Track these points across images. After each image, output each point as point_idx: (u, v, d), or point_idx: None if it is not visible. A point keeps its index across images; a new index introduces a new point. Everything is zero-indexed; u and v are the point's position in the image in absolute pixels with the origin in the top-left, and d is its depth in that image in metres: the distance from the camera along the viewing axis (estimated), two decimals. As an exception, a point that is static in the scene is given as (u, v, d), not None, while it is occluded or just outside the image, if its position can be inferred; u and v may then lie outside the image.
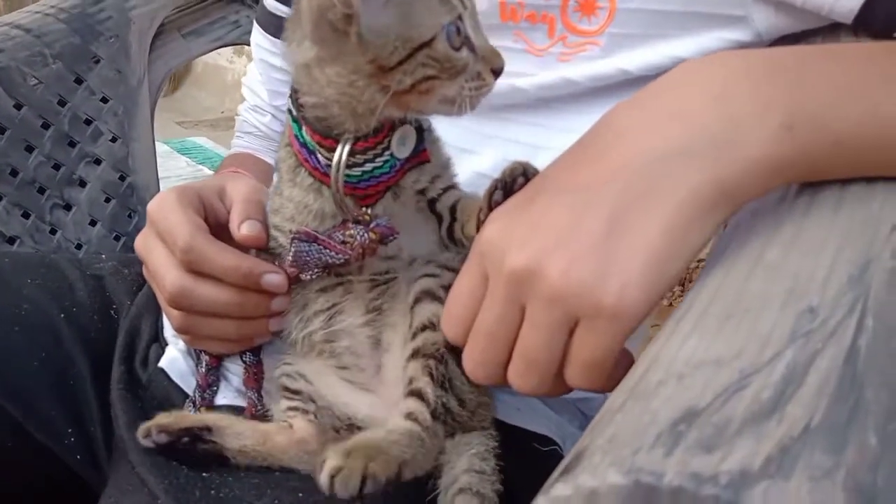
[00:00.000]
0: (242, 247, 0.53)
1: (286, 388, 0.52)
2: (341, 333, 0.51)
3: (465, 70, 0.43)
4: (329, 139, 0.45)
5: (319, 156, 0.46)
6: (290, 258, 0.49)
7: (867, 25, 0.49)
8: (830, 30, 0.52)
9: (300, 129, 0.47)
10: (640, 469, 0.25)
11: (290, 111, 0.48)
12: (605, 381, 0.38)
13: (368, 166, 0.46)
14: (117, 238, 0.90)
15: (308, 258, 0.48)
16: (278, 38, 0.78)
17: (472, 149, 0.60)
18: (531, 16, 0.60)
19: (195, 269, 0.52)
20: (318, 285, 0.51)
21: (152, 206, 0.54)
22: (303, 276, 0.50)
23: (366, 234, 0.47)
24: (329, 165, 0.45)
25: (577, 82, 0.58)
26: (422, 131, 0.48)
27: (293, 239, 0.48)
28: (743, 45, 0.54)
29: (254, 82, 0.81)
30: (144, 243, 0.55)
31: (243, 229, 0.52)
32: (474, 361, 0.41)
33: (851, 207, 0.37)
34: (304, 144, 0.47)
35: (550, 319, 0.37)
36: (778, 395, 0.26)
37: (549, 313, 0.37)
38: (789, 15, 0.52)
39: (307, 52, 0.43)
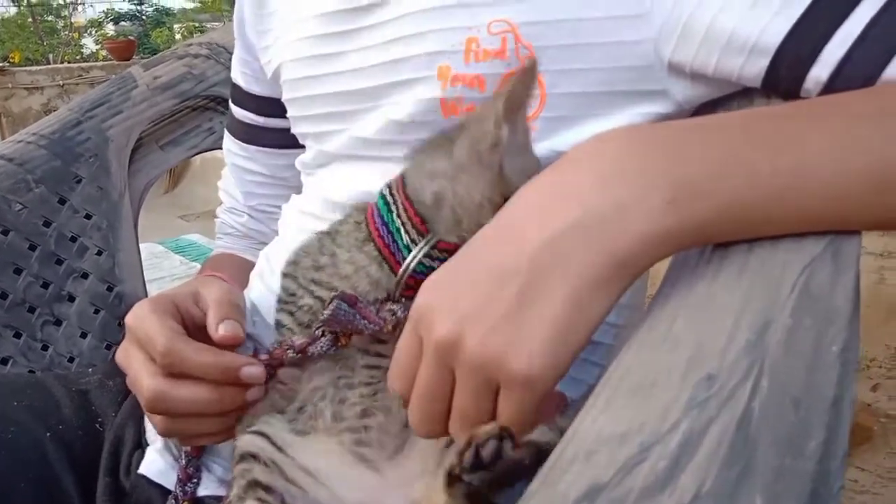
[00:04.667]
0: (219, 347, 0.56)
1: (257, 483, 0.53)
2: (381, 409, 0.54)
3: None
4: (424, 224, 0.52)
5: (404, 235, 0.52)
6: (327, 313, 0.52)
7: (774, 87, 0.52)
8: (744, 94, 0.55)
9: (389, 212, 0.53)
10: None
11: (383, 195, 0.54)
12: (531, 427, 0.42)
13: (437, 264, 0.50)
14: (109, 347, 0.92)
15: (343, 318, 0.51)
16: (247, 143, 0.83)
17: None
18: (471, 108, 0.63)
19: (175, 370, 0.54)
20: (363, 361, 0.54)
21: (129, 318, 0.57)
22: (311, 350, 0.53)
23: (404, 313, 0.51)
24: (406, 247, 0.51)
25: None
26: None
27: (336, 298, 0.52)
28: (667, 117, 0.57)
29: (229, 185, 0.85)
30: (125, 353, 0.58)
31: (221, 329, 0.56)
32: (416, 418, 0.45)
33: (755, 269, 0.39)
34: (385, 223, 0.53)
35: (475, 384, 0.41)
36: (673, 465, 0.28)
37: (472, 378, 0.41)
38: (704, 84, 0.55)
39: (445, 167, 0.51)
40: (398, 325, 0.50)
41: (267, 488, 0.52)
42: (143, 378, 0.55)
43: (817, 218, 0.40)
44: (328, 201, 0.69)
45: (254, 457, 0.53)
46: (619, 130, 0.44)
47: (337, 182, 0.70)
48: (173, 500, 0.58)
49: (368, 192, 0.67)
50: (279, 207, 0.82)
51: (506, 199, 0.46)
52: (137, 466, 0.62)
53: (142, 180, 0.97)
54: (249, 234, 0.86)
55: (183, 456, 0.58)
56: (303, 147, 0.76)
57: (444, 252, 0.50)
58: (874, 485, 1.72)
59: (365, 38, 0.67)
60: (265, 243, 0.80)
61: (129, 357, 0.57)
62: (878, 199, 0.41)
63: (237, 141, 0.83)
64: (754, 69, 0.52)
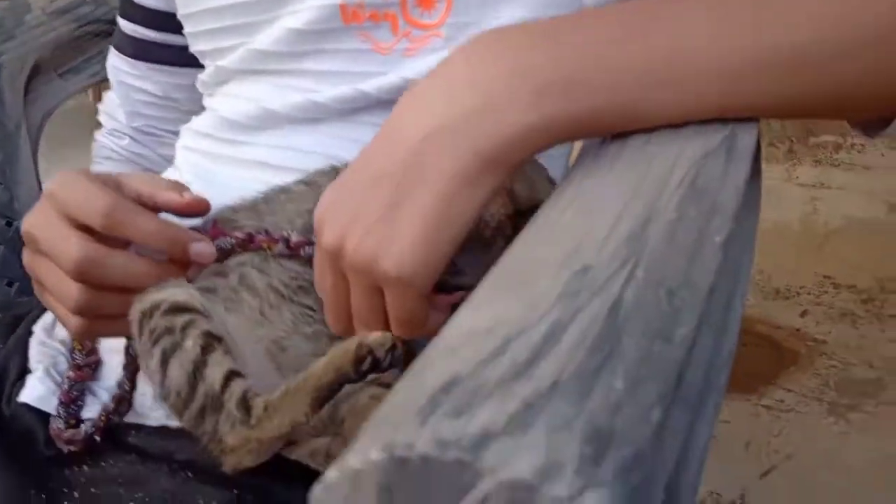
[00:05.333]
0: None
1: (211, 335, 0.49)
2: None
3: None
4: None
5: None
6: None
7: None
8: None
9: None
10: (395, 443, 0.25)
11: None
12: (424, 330, 0.44)
13: None
14: (10, 284, 0.88)
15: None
16: (137, 59, 0.78)
17: (331, 153, 0.61)
18: (373, 15, 0.60)
19: (116, 233, 0.50)
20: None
21: (53, 185, 0.52)
22: (304, 252, 0.53)
23: None
24: None
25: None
26: None
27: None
28: None
29: (111, 106, 0.81)
30: (45, 220, 0.51)
31: (187, 195, 0.53)
32: (329, 315, 0.48)
33: (647, 162, 0.38)
34: None
35: (361, 286, 0.43)
36: (534, 355, 0.27)
37: (358, 281, 0.43)
38: None
39: None
40: None
41: (221, 341, 0.49)
42: (72, 241, 0.49)
43: (702, 104, 0.39)
44: (225, 120, 0.66)
45: (190, 310, 0.49)
46: (496, 29, 0.43)
47: (235, 100, 0.67)
48: (58, 419, 0.55)
49: (269, 110, 0.64)
50: (167, 132, 0.79)
51: None
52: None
53: (39, 110, 0.92)
54: (132, 158, 0.81)
55: (66, 381, 0.55)
56: (198, 67, 0.72)
57: None
58: (798, 404, 1.79)
59: None
60: (150, 170, 0.77)
61: (49, 225, 0.51)
62: (774, 80, 0.40)
63: (125, 58, 0.78)
64: None
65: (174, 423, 0.59)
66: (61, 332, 0.65)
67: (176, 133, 0.77)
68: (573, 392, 0.25)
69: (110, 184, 0.53)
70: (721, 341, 0.37)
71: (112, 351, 0.62)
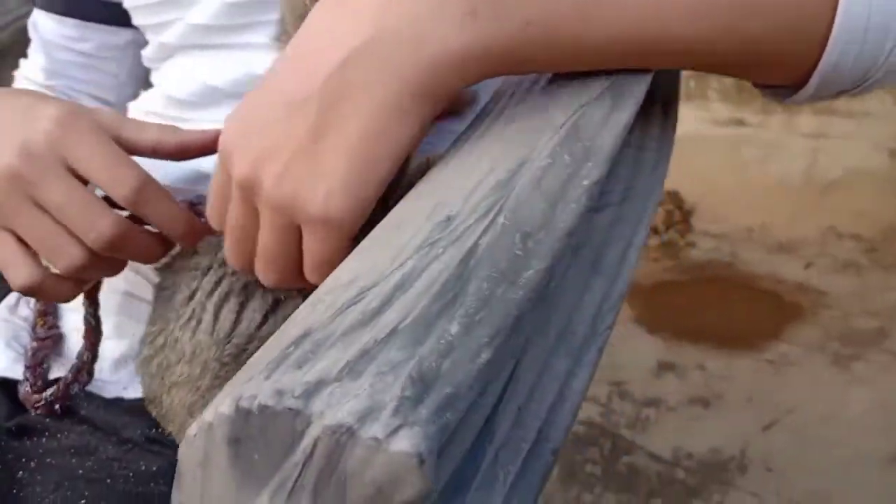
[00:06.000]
0: None
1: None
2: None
3: None
4: None
5: None
6: None
7: None
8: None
9: None
10: (241, 396, 0.26)
11: None
12: None
13: None
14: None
15: None
16: (66, 15, 0.76)
17: None
18: None
19: (137, 212, 0.49)
20: None
21: (60, 132, 0.47)
22: None
23: None
24: None
25: None
26: None
27: None
28: None
29: (29, 68, 0.77)
30: (53, 175, 0.47)
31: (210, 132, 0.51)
32: (230, 252, 0.44)
33: (533, 110, 0.38)
34: None
35: (277, 224, 0.39)
36: (383, 304, 0.27)
37: (273, 219, 0.39)
38: None
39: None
40: None
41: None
42: (106, 210, 0.47)
43: (635, 43, 0.38)
44: (171, 98, 0.66)
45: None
46: None
47: (178, 76, 0.67)
48: (26, 384, 0.57)
49: (211, 86, 0.64)
50: (94, 98, 0.77)
51: None
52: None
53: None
54: None
55: (30, 349, 0.57)
56: (129, 27, 0.72)
57: None
58: (801, 357, 1.78)
59: None
60: None
61: (57, 180, 0.47)
62: (696, 19, 0.38)
63: (53, 14, 0.74)
64: None
65: (130, 394, 0.61)
66: (24, 311, 0.66)
67: (99, 99, 0.77)
68: (408, 338, 0.25)
69: (110, 125, 0.50)
70: (612, 287, 0.37)
71: (74, 330, 0.63)
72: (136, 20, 0.70)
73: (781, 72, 0.43)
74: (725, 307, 2.05)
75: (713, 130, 2.39)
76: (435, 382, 0.24)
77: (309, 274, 0.41)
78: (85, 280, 0.53)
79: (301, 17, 0.44)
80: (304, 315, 0.29)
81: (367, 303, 0.28)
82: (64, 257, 0.48)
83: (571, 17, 0.37)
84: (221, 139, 0.41)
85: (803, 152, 2.30)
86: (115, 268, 0.52)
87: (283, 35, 0.52)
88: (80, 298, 0.56)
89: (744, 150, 2.36)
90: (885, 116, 2.15)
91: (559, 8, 0.37)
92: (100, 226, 0.47)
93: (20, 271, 0.49)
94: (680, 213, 2.49)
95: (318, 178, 0.37)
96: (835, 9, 0.39)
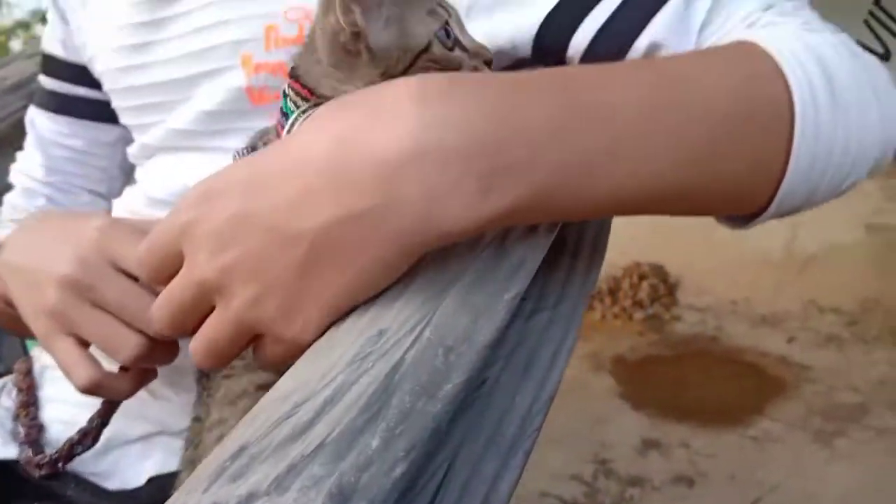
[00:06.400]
0: None
1: None
2: None
3: (462, 66, 0.47)
4: (316, 97, 0.48)
5: (296, 110, 0.48)
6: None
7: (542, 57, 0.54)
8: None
9: (286, 102, 0.49)
10: (182, 507, 0.28)
11: (285, 94, 0.50)
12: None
13: None
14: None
15: None
16: (59, 114, 0.81)
17: None
18: (279, 95, 0.64)
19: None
20: None
21: (103, 239, 0.52)
22: None
23: None
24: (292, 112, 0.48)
25: None
26: None
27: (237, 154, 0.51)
28: None
29: (26, 164, 0.81)
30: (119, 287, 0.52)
31: None
32: (159, 316, 0.42)
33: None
34: (284, 114, 0.49)
35: (236, 329, 0.39)
36: (314, 417, 0.30)
37: (235, 326, 0.39)
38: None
39: (325, 68, 0.47)
40: None
41: None
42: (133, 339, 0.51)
43: (634, 194, 0.40)
44: (151, 198, 0.70)
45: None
46: (441, 84, 0.38)
47: (159, 176, 0.70)
48: (28, 453, 0.59)
49: (187, 187, 0.67)
50: (83, 189, 0.81)
51: (390, 74, 0.45)
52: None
53: (-1, 184, 0.96)
54: None
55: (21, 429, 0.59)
56: (117, 124, 0.76)
57: None
58: (784, 433, 1.78)
59: (172, 28, 0.67)
60: None
61: (115, 281, 0.51)
62: (693, 177, 0.41)
63: (47, 112, 0.79)
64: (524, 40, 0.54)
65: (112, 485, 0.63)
66: (6, 401, 0.69)
67: (91, 192, 0.81)
68: (332, 453, 0.28)
69: (144, 227, 0.52)
70: (541, 390, 0.40)
71: (55, 421, 0.66)
72: (123, 119, 0.75)
73: (747, 204, 0.47)
74: (710, 382, 2.06)
75: (694, 206, 2.44)
76: (353, 496, 0.26)
77: (260, 366, 0.42)
78: (145, 374, 0.56)
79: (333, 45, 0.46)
80: (244, 429, 0.31)
81: (300, 417, 0.30)
82: (127, 348, 0.51)
83: (577, 175, 0.38)
84: (187, 199, 0.40)
85: (782, 227, 2.35)
86: (172, 352, 0.54)
87: (263, 136, 0.55)
88: None
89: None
90: (859, 193, 2.20)
91: (567, 169, 0.38)
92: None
93: (83, 372, 0.53)
94: (665, 287, 2.52)
95: (297, 313, 0.37)
96: (788, 153, 0.43)
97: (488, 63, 0.49)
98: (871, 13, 1.36)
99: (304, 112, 0.48)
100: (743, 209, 0.47)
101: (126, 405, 0.61)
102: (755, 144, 0.42)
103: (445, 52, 0.46)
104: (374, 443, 0.28)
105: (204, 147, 0.67)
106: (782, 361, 2.10)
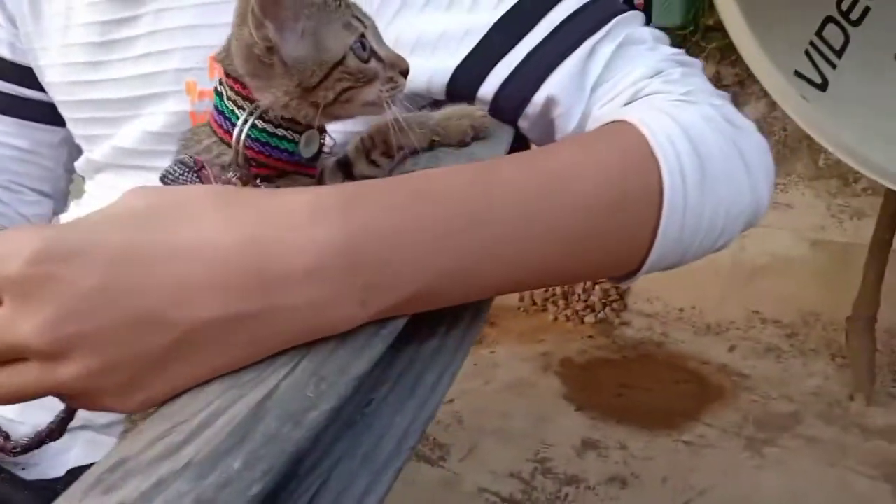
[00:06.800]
0: None
1: None
2: None
3: (377, 77, 0.49)
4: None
5: (236, 110, 0.48)
6: (169, 172, 0.48)
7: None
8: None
9: (221, 99, 0.50)
10: (57, 516, 0.31)
11: (217, 92, 0.51)
12: None
13: (276, 131, 0.49)
14: None
15: (182, 181, 0.48)
16: (4, 114, 0.81)
17: None
18: None
19: None
20: None
21: None
22: None
23: (237, 180, 0.48)
24: (236, 116, 0.49)
25: None
26: (322, 145, 0.52)
27: (178, 160, 0.49)
28: None
29: None
30: None
31: None
32: None
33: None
34: (221, 112, 0.49)
35: (50, 391, 0.36)
36: (186, 438, 0.33)
37: (50, 390, 0.36)
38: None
39: (248, 79, 0.48)
40: None
41: None
42: None
43: (508, 288, 0.44)
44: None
45: None
46: (333, 200, 0.39)
47: (105, 193, 0.73)
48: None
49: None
50: (30, 189, 0.83)
51: (305, 87, 0.46)
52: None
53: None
54: None
55: None
56: (63, 126, 0.78)
57: (292, 122, 0.49)
58: (718, 439, 1.85)
59: (121, 51, 0.70)
60: None
61: None
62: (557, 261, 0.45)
63: None
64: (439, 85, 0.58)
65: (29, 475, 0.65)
66: None
67: (36, 191, 0.83)
68: (197, 471, 0.31)
69: None
70: (422, 410, 0.43)
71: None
72: (72, 130, 0.77)
73: (621, 270, 0.50)
74: (652, 386, 2.12)
75: (649, 214, 2.50)
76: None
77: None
78: None
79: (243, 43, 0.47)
80: (127, 443, 0.34)
81: (175, 437, 0.33)
82: None
83: (456, 278, 0.41)
84: (33, 264, 0.34)
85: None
86: None
87: (190, 142, 0.56)
88: None
89: (677, 234, 2.47)
90: (806, 208, 2.28)
91: (446, 275, 0.41)
92: None
93: None
94: (617, 292, 2.58)
95: (140, 391, 0.36)
96: (657, 229, 0.47)
97: (404, 73, 0.51)
98: (812, 43, 1.41)
99: (248, 117, 0.48)
100: (617, 274, 0.51)
101: (52, 399, 0.64)
102: (627, 226, 0.46)
103: (360, 65, 0.48)
104: (236, 464, 0.31)
105: (148, 167, 0.70)
106: (723, 369, 2.16)
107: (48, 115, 0.82)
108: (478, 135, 0.54)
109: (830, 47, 1.43)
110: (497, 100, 0.57)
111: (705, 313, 2.41)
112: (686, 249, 0.48)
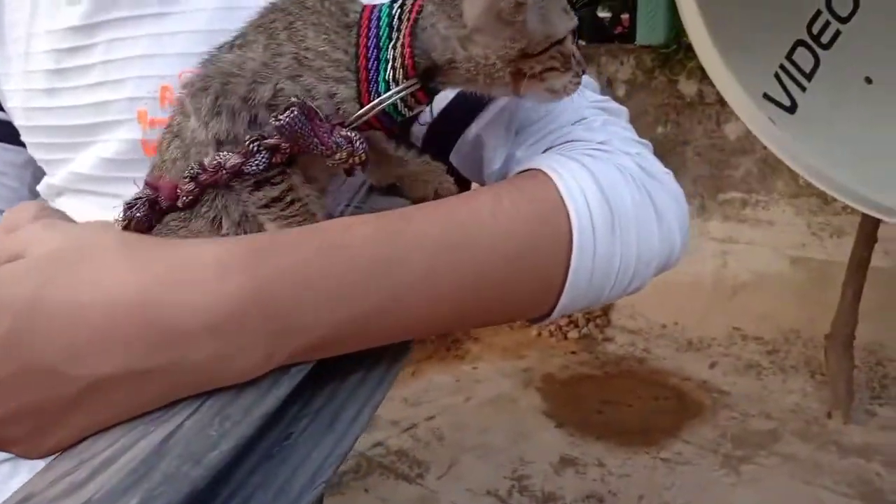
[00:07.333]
0: None
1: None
2: None
3: (572, 68, 0.51)
4: (414, 69, 0.48)
5: (388, 70, 0.47)
6: (283, 119, 0.45)
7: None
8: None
9: (388, 38, 0.48)
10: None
11: (390, 16, 0.49)
12: None
13: (407, 112, 0.49)
14: None
15: (297, 130, 0.45)
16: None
17: None
18: None
19: None
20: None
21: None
22: (247, 168, 0.46)
23: (363, 145, 0.47)
24: (385, 82, 0.47)
25: None
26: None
27: (295, 105, 0.45)
28: None
29: None
30: None
31: None
32: None
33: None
34: (378, 47, 0.48)
35: None
36: (89, 475, 0.34)
37: None
38: None
39: (459, 30, 0.48)
40: (350, 156, 0.46)
41: None
42: None
43: (416, 332, 0.46)
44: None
45: None
46: (239, 255, 0.40)
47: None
48: None
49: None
50: None
51: (525, 53, 0.48)
52: None
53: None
54: None
55: None
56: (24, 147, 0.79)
57: (418, 102, 0.49)
58: (695, 456, 1.86)
59: (75, 78, 0.71)
60: None
61: None
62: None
63: None
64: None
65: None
66: None
67: (0, 212, 0.84)
68: (97, 509, 0.32)
69: None
70: (339, 444, 0.44)
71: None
72: (32, 153, 0.78)
73: (533, 314, 0.52)
74: (633, 403, 2.13)
75: (633, 230, 2.51)
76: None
77: None
78: None
79: None
80: (36, 479, 0.36)
81: (79, 474, 0.34)
82: None
83: (361, 326, 0.43)
84: None
85: (714, 255, 2.44)
86: None
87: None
88: None
89: (660, 250, 2.49)
90: (786, 226, 2.30)
91: (351, 324, 0.42)
92: None
93: None
94: (600, 308, 2.59)
95: (51, 437, 0.37)
96: (566, 275, 0.48)
97: (583, 70, 0.52)
98: (783, 66, 1.43)
99: (402, 90, 0.47)
100: (529, 317, 0.52)
101: None
102: (537, 274, 0.48)
103: (573, 49, 0.50)
104: (133, 501, 0.33)
105: (103, 192, 0.71)
106: (703, 386, 2.17)
107: (12, 134, 0.83)
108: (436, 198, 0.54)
109: (801, 70, 1.45)
110: (430, 133, 0.58)
111: (687, 329, 2.42)
112: (599, 293, 0.50)
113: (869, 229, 1.89)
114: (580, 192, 0.48)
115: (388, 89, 0.47)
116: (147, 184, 0.49)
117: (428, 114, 0.59)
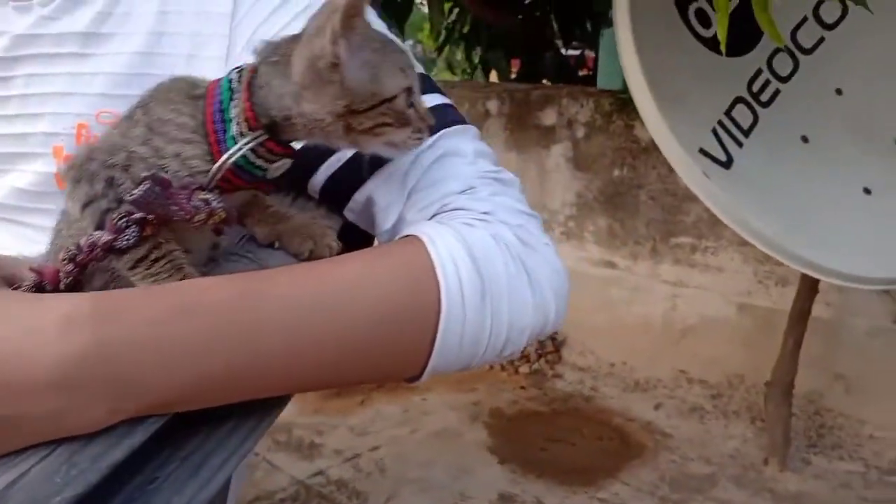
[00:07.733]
0: None
1: None
2: None
3: (411, 124, 0.52)
4: (259, 126, 0.50)
5: (234, 126, 0.50)
6: (136, 193, 0.48)
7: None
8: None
9: (230, 99, 0.51)
10: None
11: (230, 81, 0.52)
12: None
13: (260, 162, 0.51)
14: None
15: (153, 201, 0.48)
16: None
17: None
18: None
19: None
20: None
21: None
22: (117, 244, 0.48)
23: (220, 204, 0.49)
24: (232, 139, 0.50)
25: None
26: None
27: (148, 178, 0.48)
28: None
29: None
30: None
31: None
32: None
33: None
34: (222, 110, 0.50)
35: None
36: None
37: None
38: None
39: (291, 87, 0.50)
40: (210, 217, 0.48)
41: None
42: None
43: (273, 392, 0.48)
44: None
45: None
46: (88, 312, 0.42)
47: None
48: None
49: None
50: None
51: (351, 109, 0.49)
52: None
53: None
54: None
55: None
56: None
57: (272, 154, 0.51)
58: (632, 498, 1.87)
59: None
60: None
61: None
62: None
63: None
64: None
65: None
66: None
67: None
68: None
69: None
70: (202, 491, 0.45)
71: None
72: None
73: (403, 376, 0.54)
74: (577, 441, 2.15)
75: (588, 269, 2.55)
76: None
77: None
78: None
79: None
80: None
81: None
82: None
83: (215, 388, 0.45)
84: None
85: (664, 298, 2.47)
86: None
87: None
88: None
89: (613, 290, 2.53)
90: (735, 273, 2.34)
91: (204, 383, 0.44)
92: None
93: None
94: (552, 344, 2.62)
95: None
96: (434, 341, 0.50)
97: (430, 129, 0.54)
98: (721, 122, 1.48)
99: (248, 142, 0.50)
100: (398, 379, 0.54)
101: None
102: (404, 339, 0.50)
103: (405, 108, 0.52)
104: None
105: (18, 221, 0.72)
106: (646, 427, 2.20)
107: None
108: (315, 258, 0.55)
109: (739, 126, 1.50)
110: (324, 191, 0.60)
111: (636, 370, 2.45)
112: (471, 357, 0.52)
113: (811, 281, 1.93)
114: (451, 261, 0.50)
115: (234, 144, 0.50)
116: (31, 269, 0.50)
117: (325, 168, 0.61)
